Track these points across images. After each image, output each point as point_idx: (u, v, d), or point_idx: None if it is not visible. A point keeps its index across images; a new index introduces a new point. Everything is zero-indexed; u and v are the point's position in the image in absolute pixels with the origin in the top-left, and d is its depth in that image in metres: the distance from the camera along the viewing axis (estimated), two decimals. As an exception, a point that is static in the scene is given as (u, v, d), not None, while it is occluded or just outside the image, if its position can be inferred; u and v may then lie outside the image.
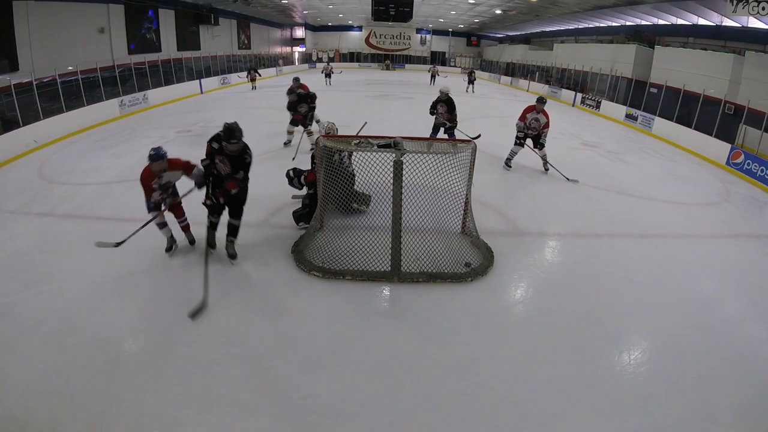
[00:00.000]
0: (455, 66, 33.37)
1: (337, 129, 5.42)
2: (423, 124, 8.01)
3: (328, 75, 20.05)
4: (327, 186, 4.23)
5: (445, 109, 7.34)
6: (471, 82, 19.27)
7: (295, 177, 5.10)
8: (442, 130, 7.50)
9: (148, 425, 2.39)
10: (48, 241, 4.49)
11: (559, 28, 23.89)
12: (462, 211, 4.45)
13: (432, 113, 7.50)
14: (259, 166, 7.13)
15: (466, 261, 4.08)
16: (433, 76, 22.23)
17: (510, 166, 7.31)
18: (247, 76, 18.01)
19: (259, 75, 18.38)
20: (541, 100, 6.97)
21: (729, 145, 9.07)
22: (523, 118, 7.02)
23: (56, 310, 3.30)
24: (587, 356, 3.07)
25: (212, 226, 4.08)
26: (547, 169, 7.21)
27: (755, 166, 8.11)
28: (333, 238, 4.30)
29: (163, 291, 3.61)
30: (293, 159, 6.98)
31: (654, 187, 7.03)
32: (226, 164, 3.74)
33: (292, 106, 7.64)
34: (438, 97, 7.42)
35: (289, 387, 2.67)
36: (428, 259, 4.01)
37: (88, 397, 2.54)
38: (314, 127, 7.86)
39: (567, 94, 17.96)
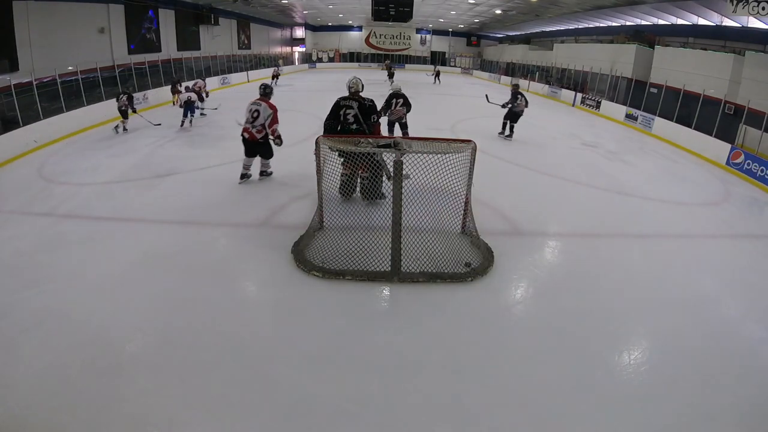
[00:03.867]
0: (455, 66, 33.55)
1: (363, 84, 5.35)
2: (423, 124, 8.03)
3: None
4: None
5: (401, 102, 7.40)
6: (437, 76, 23.38)
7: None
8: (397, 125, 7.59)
9: (148, 425, 2.39)
10: (48, 241, 4.48)
11: (559, 28, 23.87)
12: (462, 211, 4.45)
13: (387, 111, 7.43)
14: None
15: (466, 261, 4.08)
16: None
17: None
18: (173, 93, 13.67)
19: (180, 90, 13.25)
20: None
21: (729, 145, 9.06)
22: None
23: (56, 310, 3.30)
24: (587, 356, 3.07)
25: None
26: None
27: (755, 166, 8.11)
28: (333, 238, 4.30)
29: (163, 291, 3.61)
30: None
31: (654, 187, 7.03)
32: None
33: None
34: (395, 93, 7.45)
35: (289, 387, 2.67)
36: (428, 259, 4.00)
37: (88, 397, 2.53)
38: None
39: (567, 94, 17.95)
